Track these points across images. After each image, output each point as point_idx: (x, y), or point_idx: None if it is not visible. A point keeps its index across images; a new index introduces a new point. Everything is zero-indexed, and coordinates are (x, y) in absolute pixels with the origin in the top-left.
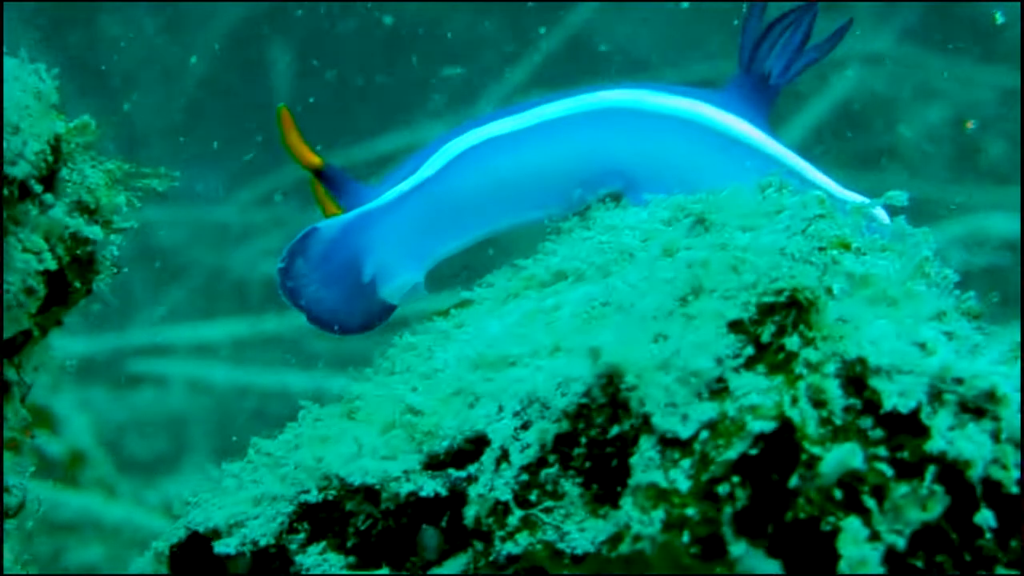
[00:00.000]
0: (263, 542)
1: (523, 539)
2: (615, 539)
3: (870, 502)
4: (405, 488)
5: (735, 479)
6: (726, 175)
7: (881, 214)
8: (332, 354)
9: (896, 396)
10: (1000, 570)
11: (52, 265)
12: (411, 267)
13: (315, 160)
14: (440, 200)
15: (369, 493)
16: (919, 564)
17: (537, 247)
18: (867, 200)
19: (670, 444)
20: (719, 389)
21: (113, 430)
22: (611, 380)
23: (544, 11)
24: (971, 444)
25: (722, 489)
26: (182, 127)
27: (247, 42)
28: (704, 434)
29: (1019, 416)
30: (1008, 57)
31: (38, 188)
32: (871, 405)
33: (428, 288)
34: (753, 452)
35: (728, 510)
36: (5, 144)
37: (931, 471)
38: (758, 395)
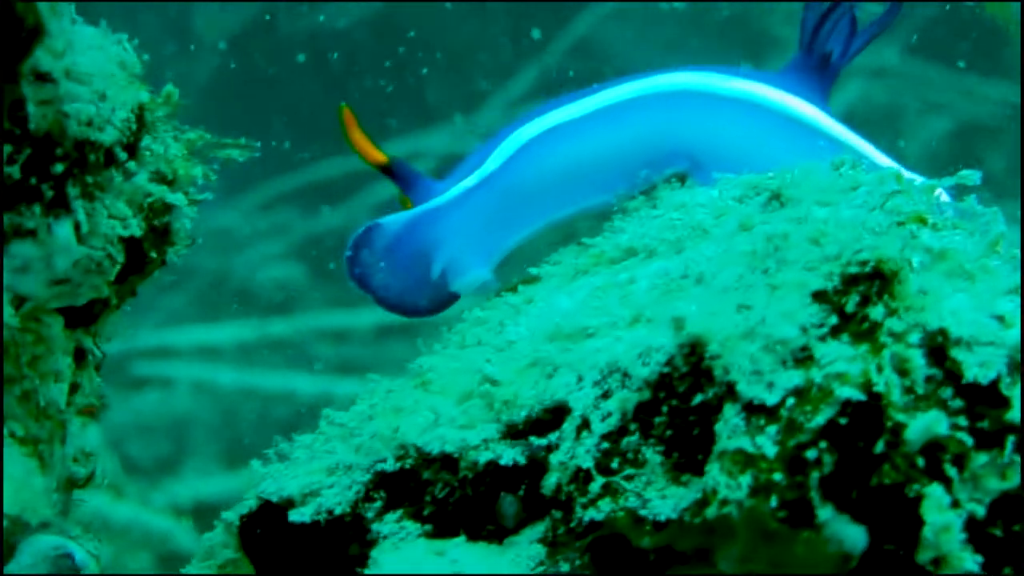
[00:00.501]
0: (338, 511)
1: (605, 506)
2: (700, 504)
3: (951, 471)
4: (484, 456)
5: (822, 444)
6: (793, 157)
7: (942, 195)
8: (337, 358)
9: (976, 367)
10: None
11: (137, 232)
12: (481, 262)
13: (380, 157)
14: (507, 193)
15: (447, 462)
16: (998, 532)
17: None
18: (933, 180)
19: (756, 411)
20: (804, 357)
21: (118, 432)
22: (694, 349)
23: (548, 14)
24: None
25: (810, 454)
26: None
27: (250, 46)
28: (791, 401)
29: None
30: (1010, 71)
31: (123, 156)
32: (952, 375)
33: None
34: (842, 420)
35: (815, 475)
36: (94, 108)
37: (1011, 441)
38: (844, 363)
